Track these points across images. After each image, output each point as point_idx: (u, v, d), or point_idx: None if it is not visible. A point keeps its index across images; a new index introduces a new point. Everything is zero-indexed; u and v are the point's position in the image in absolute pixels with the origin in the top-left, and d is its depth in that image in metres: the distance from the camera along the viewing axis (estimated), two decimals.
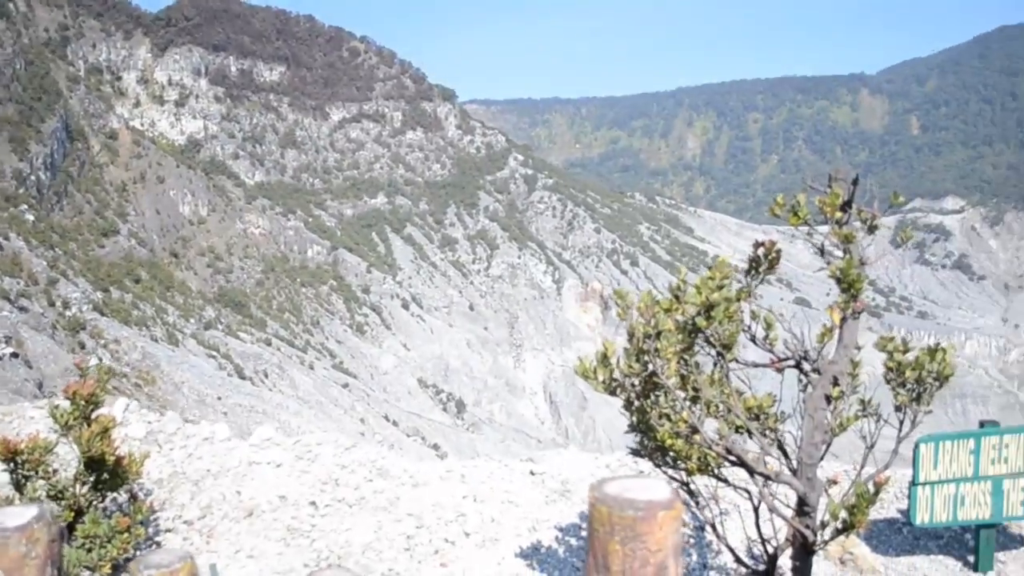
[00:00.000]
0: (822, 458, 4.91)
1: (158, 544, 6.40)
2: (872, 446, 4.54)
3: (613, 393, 4.68)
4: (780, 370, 4.76)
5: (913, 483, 6.57)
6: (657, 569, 2.20)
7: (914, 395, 4.54)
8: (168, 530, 6.63)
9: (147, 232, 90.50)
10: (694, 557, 6.92)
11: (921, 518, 6.62)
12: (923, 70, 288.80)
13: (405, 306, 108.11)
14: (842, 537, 7.26)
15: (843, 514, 4.25)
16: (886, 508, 7.79)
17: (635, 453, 5.32)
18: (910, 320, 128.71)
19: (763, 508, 4.74)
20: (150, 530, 6.40)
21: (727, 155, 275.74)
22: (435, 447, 73.84)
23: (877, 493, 4.17)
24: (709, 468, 4.75)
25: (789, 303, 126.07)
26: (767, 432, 4.67)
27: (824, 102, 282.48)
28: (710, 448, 4.40)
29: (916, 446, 6.47)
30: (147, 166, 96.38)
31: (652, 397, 4.58)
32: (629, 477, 2.37)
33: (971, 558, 7.00)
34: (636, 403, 4.70)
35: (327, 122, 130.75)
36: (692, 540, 7.12)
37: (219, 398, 52.97)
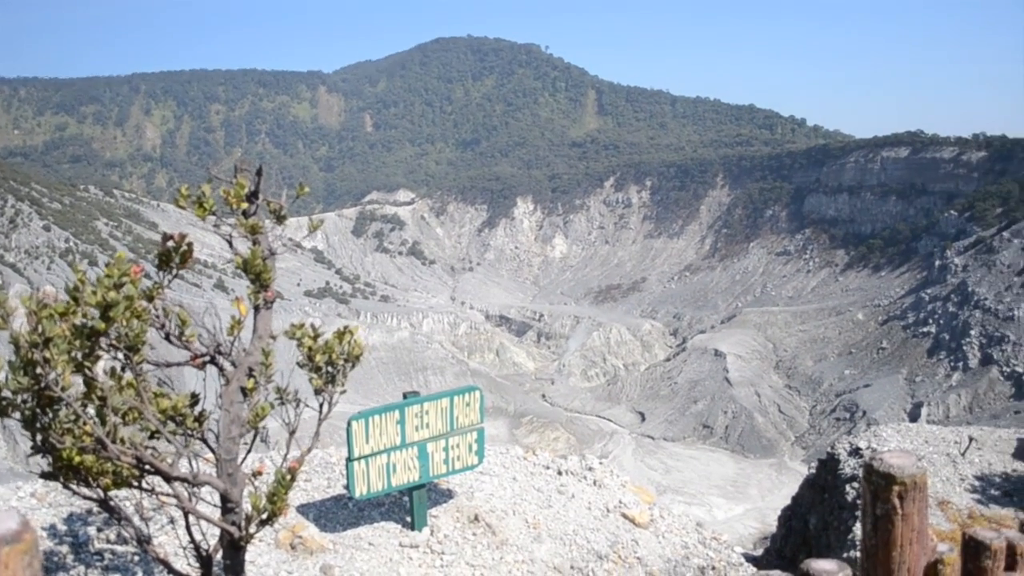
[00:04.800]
0: (250, 451, 4.90)
1: None
2: (293, 432, 4.62)
3: (5, 414, 4.09)
4: (201, 367, 4.61)
5: (349, 459, 6.92)
6: None
7: (329, 378, 4.72)
8: None
9: None
10: (139, 574, 6.50)
11: (360, 491, 7.01)
12: (374, 72, 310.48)
13: None
14: (291, 523, 7.42)
15: (265, 504, 4.27)
16: (333, 487, 8.13)
17: (47, 476, 4.75)
18: (375, 304, 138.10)
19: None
20: None
21: (190, 146, 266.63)
22: None
23: (293, 479, 4.25)
24: (127, 481, 4.42)
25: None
26: (190, 433, 4.49)
27: (285, 97, 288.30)
28: (119, 460, 4.07)
29: (348, 424, 6.82)
30: None
31: (51, 412, 4.10)
32: None
33: (409, 518, 7.62)
34: (37, 422, 4.18)
35: None
36: (138, 557, 6.69)
37: None
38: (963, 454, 11.98)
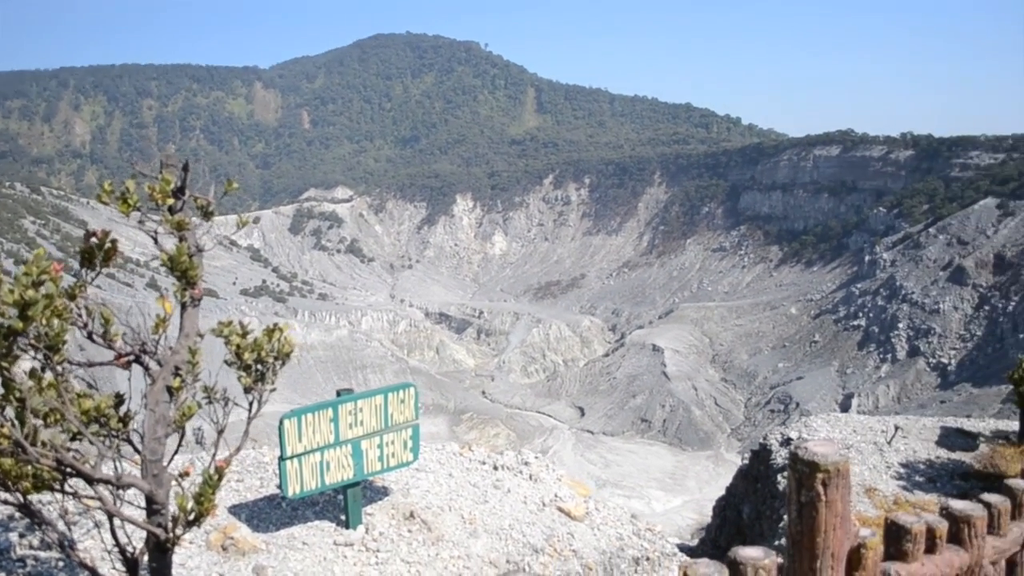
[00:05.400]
0: (177, 452, 4.81)
1: None
2: (221, 431, 4.55)
3: None
4: (126, 366, 4.52)
5: (281, 458, 6.84)
6: None
7: (258, 376, 4.65)
8: None
9: None
10: None
11: (293, 490, 6.93)
12: (312, 68, 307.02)
13: None
14: (222, 524, 7.30)
15: (191, 504, 4.19)
16: (266, 486, 8.03)
17: None
18: (313, 302, 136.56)
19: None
20: None
21: (121, 142, 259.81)
22: None
23: (221, 479, 4.19)
24: (48, 484, 4.30)
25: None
26: (114, 434, 4.39)
27: (220, 93, 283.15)
28: (39, 463, 3.96)
29: (280, 422, 6.75)
30: None
31: None
32: None
33: (344, 516, 7.56)
34: None
35: None
36: (62, 563, 6.52)
37: None
38: (889, 442, 12.33)
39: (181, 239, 4.46)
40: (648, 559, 8.10)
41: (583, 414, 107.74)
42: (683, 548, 13.39)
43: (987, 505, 5.70)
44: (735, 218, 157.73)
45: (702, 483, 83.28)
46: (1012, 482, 6.20)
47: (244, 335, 4.55)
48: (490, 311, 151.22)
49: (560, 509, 8.36)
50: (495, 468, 8.91)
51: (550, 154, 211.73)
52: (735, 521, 14.33)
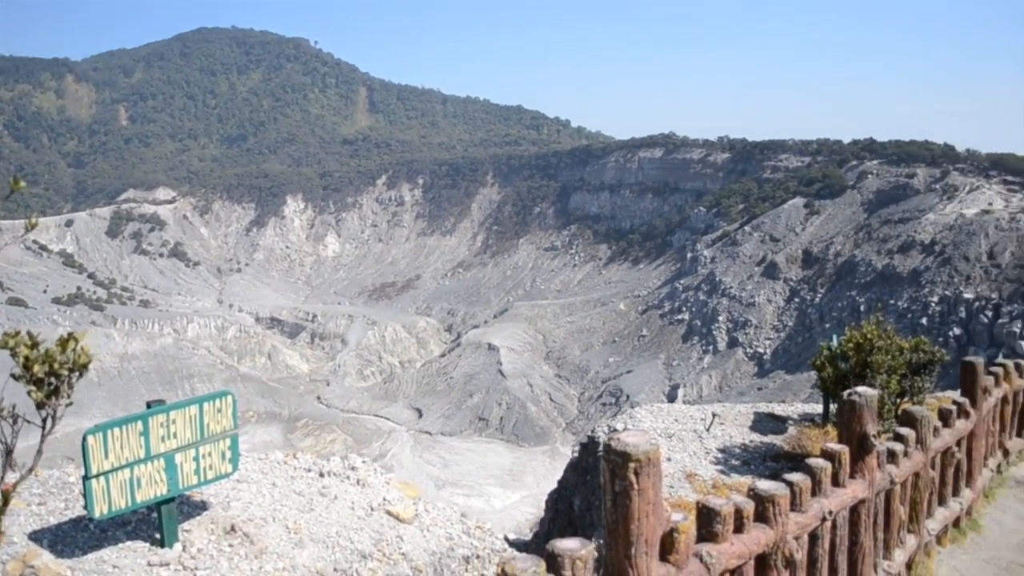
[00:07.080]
0: None
1: None
2: (10, 452, 4.20)
3: None
4: None
5: (86, 477, 6.41)
6: None
7: (51, 389, 4.34)
8: None
9: None
10: None
11: (100, 510, 6.50)
12: (129, 61, 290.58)
13: None
14: (21, 551, 6.77)
15: None
16: (72, 508, 7.52)
17: None
18: (133, 310, 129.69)
19: None
20: None
21: None
22: None
23: (7, 503, 3.88)
24: None
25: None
26: None
27: (26, 86, 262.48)
28: None
29: (84, 439, 6.32)
30: None
31: None
32: None
33: (158, 535, 7.17)
34: None
35: None
36: None
37: None
38: (708, 429, 12.96)
39: None
40: (479, 557, 8.16)
41: (421, 415, 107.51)
42: (518, 543, 13.59)
43: (789, 484, 6.11)
44: (566, 218, 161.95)
45: (539, 478, 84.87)
46: (812, 461, 6.66)
47: (34, 346, 4.22)
48: (324, 314, 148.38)
49: (388, 512, 8.28)
50: (321, 475, 8.72)
51: (383, 154, 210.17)
52: (567, 513, 14.67)
